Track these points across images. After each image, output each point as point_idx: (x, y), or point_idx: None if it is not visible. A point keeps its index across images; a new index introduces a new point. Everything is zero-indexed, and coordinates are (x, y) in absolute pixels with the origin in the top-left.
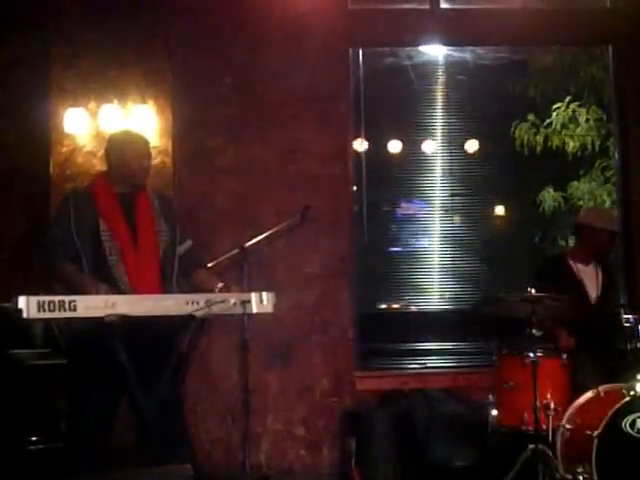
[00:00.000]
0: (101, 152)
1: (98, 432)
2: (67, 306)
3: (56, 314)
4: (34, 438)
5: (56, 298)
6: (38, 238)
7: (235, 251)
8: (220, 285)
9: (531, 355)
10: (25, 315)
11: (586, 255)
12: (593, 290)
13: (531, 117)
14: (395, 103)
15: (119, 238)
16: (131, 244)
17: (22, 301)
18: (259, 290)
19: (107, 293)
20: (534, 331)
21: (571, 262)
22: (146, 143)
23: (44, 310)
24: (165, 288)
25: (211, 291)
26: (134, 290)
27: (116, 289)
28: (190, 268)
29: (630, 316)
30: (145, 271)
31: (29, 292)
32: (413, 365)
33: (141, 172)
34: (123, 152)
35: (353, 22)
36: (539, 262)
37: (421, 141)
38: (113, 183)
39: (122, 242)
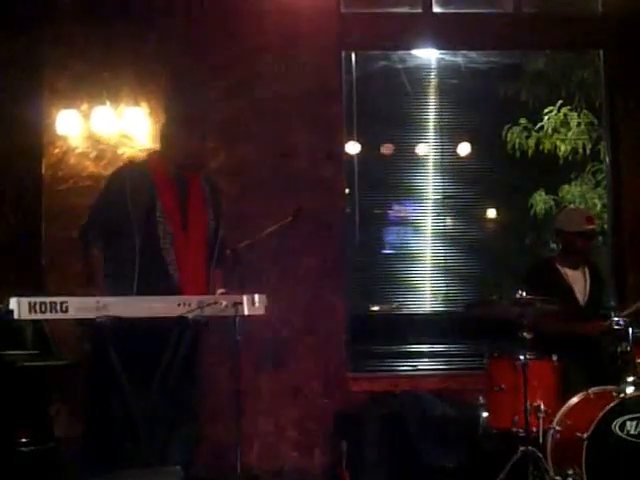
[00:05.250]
0: (94, 154)
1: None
2: (58, 307)
3: (47, 315)
4: (25, 440)
5: (47, 299)
6: (30, 239)
7: (227, 253)
8: (220, 291)
9: (521, 358)
10: (16, 316)
11: (570, 259)
12: (581, 294)
13: (523, 121)
14: (387, 106)
15: (173, 223)
16: (182, 230)
17: (14, 302)
18: (251, 292)
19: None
20: (525, 334)
21: (559, 266)
22: (204, 124)
23: (35, 311)
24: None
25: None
26: (181, 275)
27: (163, 270)
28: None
29: (620, 319)
30: (193, 258)
31: (21, 293)
32: (405, 367)
33: (202, 153)
34: (184, 134)
35: (346, 25)
36: (528, 266)
37: (413, 144)
38: (167, 164)
39: (175, 228)
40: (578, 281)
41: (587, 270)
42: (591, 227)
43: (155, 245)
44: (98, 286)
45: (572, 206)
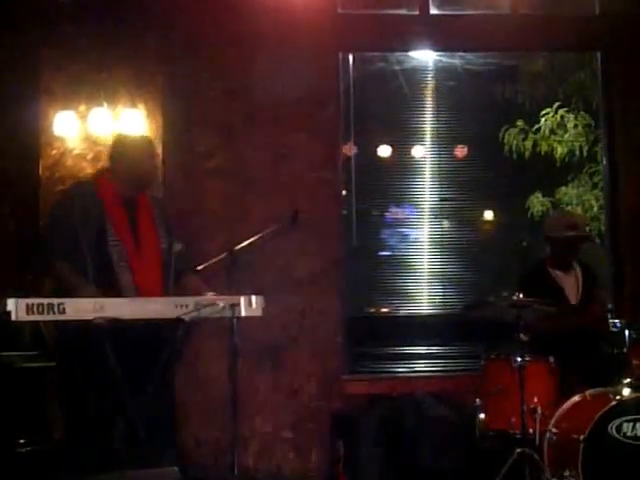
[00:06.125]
0: (91, 155)
1: (96, 433)
2: (56, 309)
3: (45, 317)
4: (23, 440)
5: (45, 301)
6: (27, 240)
7: (224, 254)
8: (210, 294)
9: (518, 359)
10: (14, 317)
11: (560, 261)
12: (573, 297)
13: (520, 122)
14: (385, 108)
15: (127, 245)
16: (135, 252)
17: (11, 303)
18: (248, 294)
19: (97, 296)
20: (522, 335)
21: (550, 269)
22: (153, 143)
23: (33, 312)
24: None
25: None
26: (139, 296)
27: (118, 294)
28: (181, 272)
29: (617, 321)
30: (150, 278)
31: (18, 294)
32: (401, 369)
33: (153, 172)
34: (135, 152)
35: (343, 27)
36: (521, 269)
37: (410, 146)
38: (117, 184)
39: (129, 249)
40: (570, 283)
41: (579, 272)
42: (571, 234)
43: (108, 267)
44: (81, 287)
45: (559, 210)
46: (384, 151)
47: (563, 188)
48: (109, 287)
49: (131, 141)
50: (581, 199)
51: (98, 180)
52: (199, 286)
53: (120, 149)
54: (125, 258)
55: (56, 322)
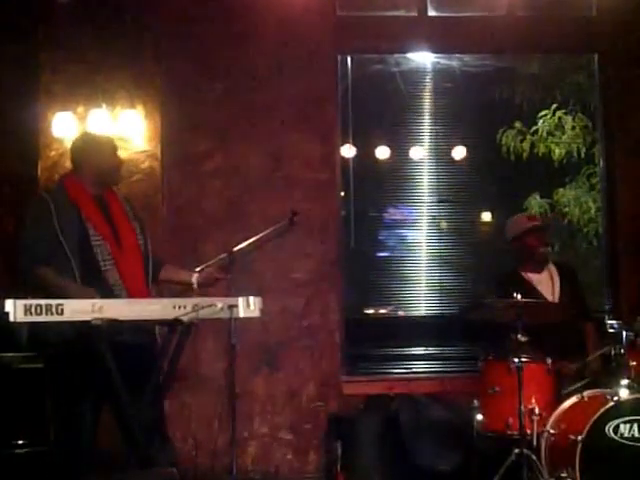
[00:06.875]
0: None
1: (86, 437)
2: (54, 310)
3: (43, 317)
4: (20, 442)
5: (43, 302)
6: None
7: (223, 255)
8: (196, 275)
9: (516, 360)
10: (12, 318)
11: (532, 263)
12: (549, 296)
13: (517, 124)
14: (383, 109)
15: (108, 241)
16: (119, 250)
17: (9, 304)
18: (246, 294)
19: (94, 296)
20: (519, 336)
21: (523, 273)
22: (114, 141)
23: (31, 313)
24: None
25: (188, 283)
26: (129, 293)
27: (107, 293)
28: (157, 267)
29: (614, 322)
30: (135, 273)
31: (16, 295)
32: (399, 370)
33: (117, 167)
34: (99, 151)
35: (341, 28)
36: (495, 278)
37: (408, 147)
38: (85, 184)
39: (111, 246)
40: (544, 284)
41: (554, 271)
42: (534, 224)
43: (94, 266)
44: (74, 288)
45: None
46: (382, 152)
47: (561, 190)
48: (97, 285)
49: (91, 139)
50: (579, 201)
51: (65, 183)
52: (178, 272)
53: (82, 148)
54: (109, 255)
55: (51, 323)
